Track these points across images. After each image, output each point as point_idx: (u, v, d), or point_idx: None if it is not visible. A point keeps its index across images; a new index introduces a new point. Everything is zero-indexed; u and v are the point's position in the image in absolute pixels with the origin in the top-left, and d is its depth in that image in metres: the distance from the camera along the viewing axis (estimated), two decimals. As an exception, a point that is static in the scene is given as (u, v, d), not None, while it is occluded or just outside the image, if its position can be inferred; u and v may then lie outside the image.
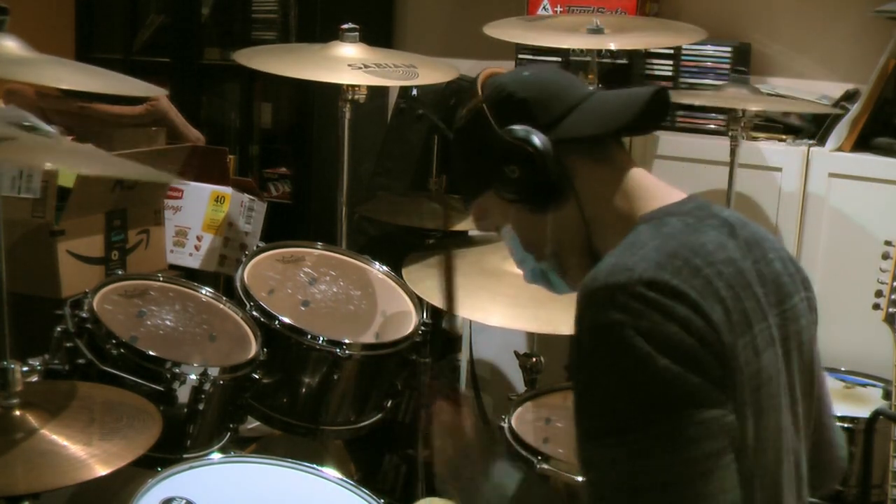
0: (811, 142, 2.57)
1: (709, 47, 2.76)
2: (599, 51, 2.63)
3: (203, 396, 1.88)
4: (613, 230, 1.22)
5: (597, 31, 2.47)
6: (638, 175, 1.26)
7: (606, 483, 1.05)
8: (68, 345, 1.86)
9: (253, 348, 2.03)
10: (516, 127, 1.24)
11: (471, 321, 2.78)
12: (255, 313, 2.09)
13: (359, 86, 2.49)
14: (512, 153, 1.24)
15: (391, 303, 2.33)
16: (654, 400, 1.03)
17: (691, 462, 1.02)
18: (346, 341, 2.08)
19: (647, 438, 1.02)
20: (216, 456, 1.85)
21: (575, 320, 1.10)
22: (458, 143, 1.34)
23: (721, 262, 1.13)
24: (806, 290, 1.29)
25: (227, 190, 2.83)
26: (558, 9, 2.89)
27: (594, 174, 1.25)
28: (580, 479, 1.84)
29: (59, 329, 1.87)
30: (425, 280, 2.23)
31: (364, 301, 2.31)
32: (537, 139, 1.23)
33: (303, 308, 2.22)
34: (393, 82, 2.74)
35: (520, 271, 1.36)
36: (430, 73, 2.56)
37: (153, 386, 1.82)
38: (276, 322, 2.07)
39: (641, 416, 1.03)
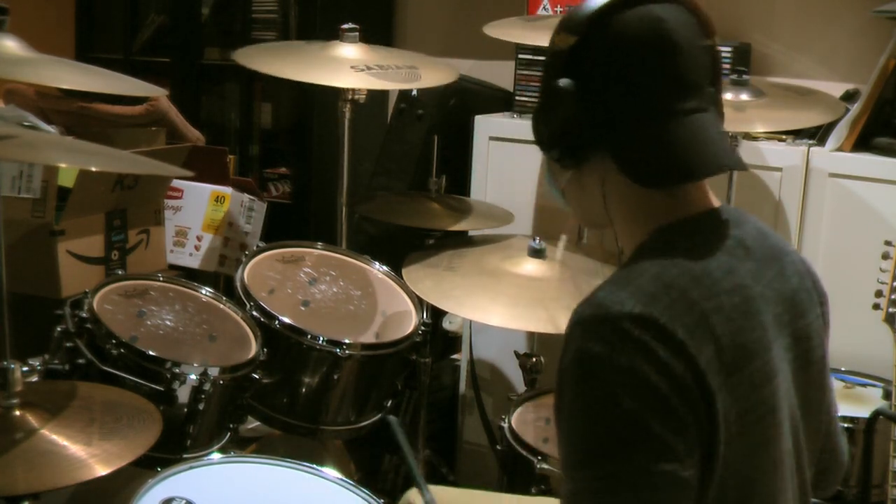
0: (811, 142, 2.57)
1: (709, 47, 2.75)
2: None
3: (203, 396, 1.88)
4: (628, 229, 1.19)
5: (597, 30, 2.45)
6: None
7: None
8: (68, 345, 1.86)
9: (253, 348, 2.03)
10: (572, 112, 1.14)
11: (471, 321, 2.78)
12: (255, 313, 2.09)
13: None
14: (552, 113, 1.16)
15: (391, 303, 2.33)
16: (612, 439, 1.02)
17: None
18: (346, 341, 2.08)
19: (597, 476, 1.03)
20: (216, 456, 1.85)
21: (563, 343, 1.09)
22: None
23: (726, 292, 1.09)
24: (822, 306, 1.27)
25: (227, 190, 2.83)
26: (558, 9, 2.88)
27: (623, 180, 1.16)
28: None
29: (59, 329, 1.87)
30: (425, 280, 2.22)
31: (364, 301, 2.31)
32: (580, 134, 1.14)
33: (303, 308, 2.22)
34: (395, 85, 2.73)
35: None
36: (432, 73, 2.55)
37: (153, 386, 1.82)
38: (276, 322, 2.07)
39: (597, 452, 1.03)
